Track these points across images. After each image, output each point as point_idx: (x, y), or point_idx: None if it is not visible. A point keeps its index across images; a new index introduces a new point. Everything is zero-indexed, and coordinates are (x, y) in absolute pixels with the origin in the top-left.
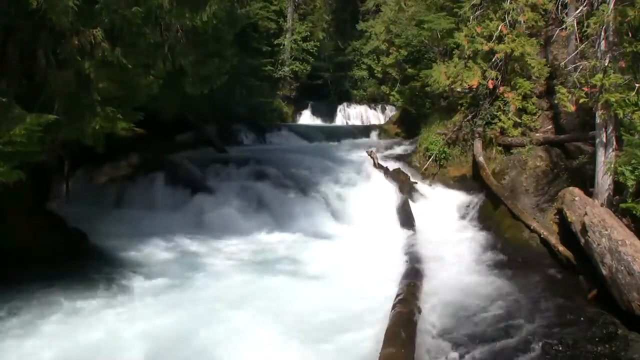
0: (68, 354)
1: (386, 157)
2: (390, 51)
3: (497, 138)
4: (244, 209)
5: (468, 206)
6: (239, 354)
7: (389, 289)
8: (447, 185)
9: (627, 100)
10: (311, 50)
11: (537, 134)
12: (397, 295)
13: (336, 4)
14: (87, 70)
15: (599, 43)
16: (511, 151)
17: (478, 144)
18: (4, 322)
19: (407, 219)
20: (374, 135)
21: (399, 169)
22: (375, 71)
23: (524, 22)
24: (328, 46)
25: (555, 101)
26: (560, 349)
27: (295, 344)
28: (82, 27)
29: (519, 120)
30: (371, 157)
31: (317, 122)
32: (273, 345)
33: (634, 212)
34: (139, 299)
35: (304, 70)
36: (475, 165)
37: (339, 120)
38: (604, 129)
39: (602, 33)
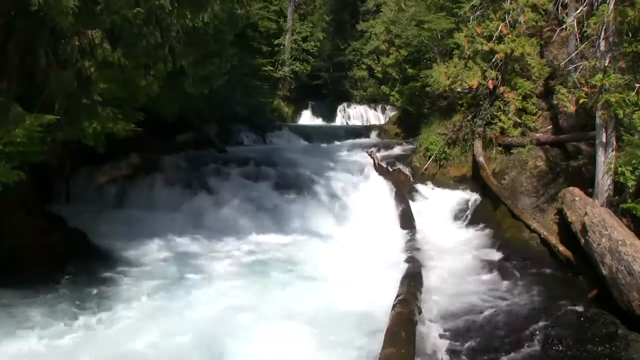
0: (65, 354)
1: (386, 157)
2: (390, 51)
3: (497, 138)
4: (243, 210)
5: (468, 206)
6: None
7: (389, 289)
8: (447, 185)
9: (627, 100)
10: (311, 50)
11: (537, 134)
12: (397, 296)
13: (336, 4)
14: (87, 71)
15: (599, 43)
16: (511, 151)
17: (478, 144)
18: (2, 322)
19: (407, 219)
20: (374, 135)
21: (399, 169)
22: (375, 71)
23: (524, 22)
24: (328, 46)
25: (555, 101)
26: (560, 349)
27: (292, 344)
28: (82, 28)
29: (519, 120)
30: (371, 157)
31: (317, 122)
32: (270, 346)
33: (634, 212)
34: (139, 299)
35: (304, 70)
36: (476, 165)
37: (339, 121)
38: (604, 129)
39: (602, 33)
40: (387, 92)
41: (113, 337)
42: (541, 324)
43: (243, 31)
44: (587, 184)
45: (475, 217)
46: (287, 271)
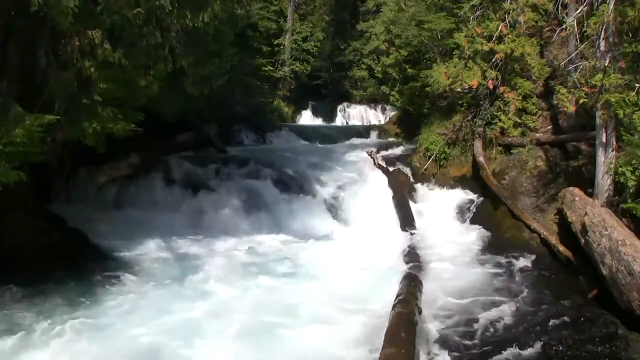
0: (63, 355)
1: (386, 157)
2: (390, 51)
3: (497, 138)
4: (243, 210)
5: (468, 206)
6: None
7: (389, 289)
8: (447, 185)
9: (627, 100)
10: (311, 50)
11: (537, 134)
12: (397, 296)
13: (336, 4)
14: (87, 71)
15: (599, 43)
16: (511, 151)
17: (478, 144)
18: (1, 323)
19: (407, 220)
20: (374, 135)
21: (399, 169)
22: (375, 71)
23: (524, 22)
24: (328, 46)
25: (555, 101)
26: (560, 349)
27: (289, 344)
28: (82, 28)
29: (519, 120)
30: (371, 157)
31: (317, 122)
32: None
33: (634, 212)
34: (138, 300)
35: (304, 70)
36: (476, 165)
37: (339, 121)
38: (604, 129)
39: (602, 33)
40: (387, 92)
41: (110, 338)
42: (541, 323)
43: (243, 31)
44: (587, 184)
45: (475, 217)
46: (287, 272)
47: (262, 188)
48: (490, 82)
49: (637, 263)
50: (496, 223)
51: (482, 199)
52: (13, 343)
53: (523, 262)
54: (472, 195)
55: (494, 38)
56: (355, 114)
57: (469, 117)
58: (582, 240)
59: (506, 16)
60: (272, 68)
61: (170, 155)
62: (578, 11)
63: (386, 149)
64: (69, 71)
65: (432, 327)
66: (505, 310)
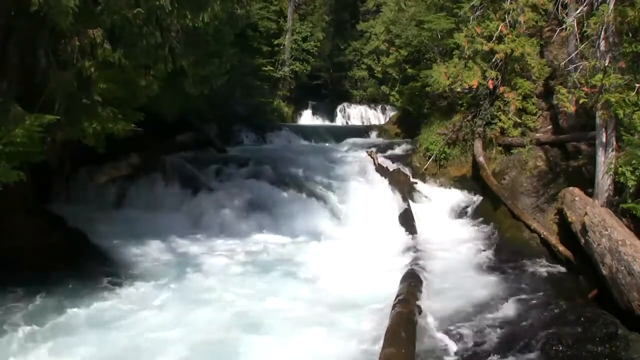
0: (62, 355)
1: (386, 157)
2: (390, 51)
3: (497, 138)
4: (243, 210)
5: (468, 206)
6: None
7: (389, 289)
8: (447, 185)
9: (627, 100)
10: (311, 50)
11: (537, 134)
12: (397, 296)
13: (336, 4)
14: (87, 71)
15: (599, 43)
16: (511, 151)
17: (478, 144)
18: (1, 323)
19: (406, 220)
20: (374, 135)
21: (399, 169)
22: (375, 71)
23: (524, 22)
24: (328, 46)
25: (555, 101)
26: (560, 349)
27: (288, 345)
28: (82, 28)
29: (519, 120)
30: (371, 157)
31: (318, 122)
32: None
33: (634, 212)
34: (138, 300)
35: (304, 70)
36: (476, 165)
37: (339, 121)
38: (604, 129)
39: (602, 33)
40: (387, 92)
41: (108, 338)
42: (541, 323)
43: (243, 31)
44: (587, 184)
45: (475, 217)
46: (285, 271)
47: (262, 188)
48: (490, 82)
49: (637, 263)
50: (496, 223)
51: (482, 198)
52: (14, 341)
53: (523, 262)
54: (472, 195)
55: (494, 38)
56: (355, 114)
57: (469, 117)
58: (582, 240)
59: (506, 16)
60: (272, 68)
61: (171, 155)
62: (578, 11)
63: (386, 149)
64: (69, 71)
65: (431, 327)
66: (505, 310)
